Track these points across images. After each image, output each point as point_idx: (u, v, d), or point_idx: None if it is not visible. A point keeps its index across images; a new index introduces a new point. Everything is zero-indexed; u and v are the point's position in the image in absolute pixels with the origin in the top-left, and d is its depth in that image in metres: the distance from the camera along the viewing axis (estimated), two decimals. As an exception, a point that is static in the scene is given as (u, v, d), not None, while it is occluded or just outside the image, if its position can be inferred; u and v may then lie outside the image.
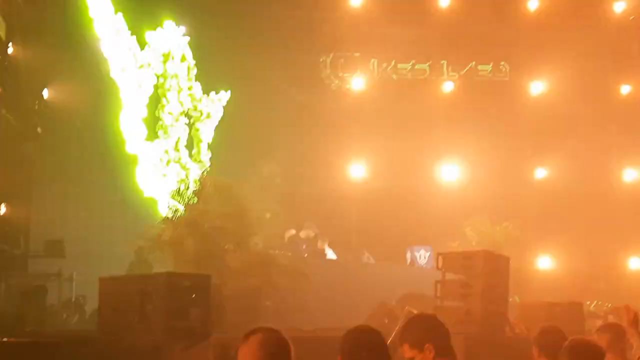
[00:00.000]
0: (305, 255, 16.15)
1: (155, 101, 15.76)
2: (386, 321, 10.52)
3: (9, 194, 15.50)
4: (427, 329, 4.28)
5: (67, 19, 16.76)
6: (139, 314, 6.93)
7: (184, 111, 16.08)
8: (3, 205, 15.08)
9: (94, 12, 16.00)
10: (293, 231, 16.97)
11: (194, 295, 7.21)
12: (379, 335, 4.04)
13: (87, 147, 17.66)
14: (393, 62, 21.51)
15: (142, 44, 15.89)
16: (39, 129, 16.98)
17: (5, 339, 6.81)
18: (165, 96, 15.81)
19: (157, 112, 15.77)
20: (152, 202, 15.39)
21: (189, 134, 16.40)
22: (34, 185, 17.24)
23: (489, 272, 9.68)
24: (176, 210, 13.66)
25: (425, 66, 21.67)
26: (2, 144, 15.35)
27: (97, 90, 16.46)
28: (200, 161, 16.58)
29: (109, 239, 16.39)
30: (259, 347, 3.26)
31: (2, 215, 15.21)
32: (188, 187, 14.53)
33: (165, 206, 14.56)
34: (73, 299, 15.19)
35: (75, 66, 16.90)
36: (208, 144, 16.49)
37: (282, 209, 14.85)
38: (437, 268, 10.17)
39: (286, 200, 15.56)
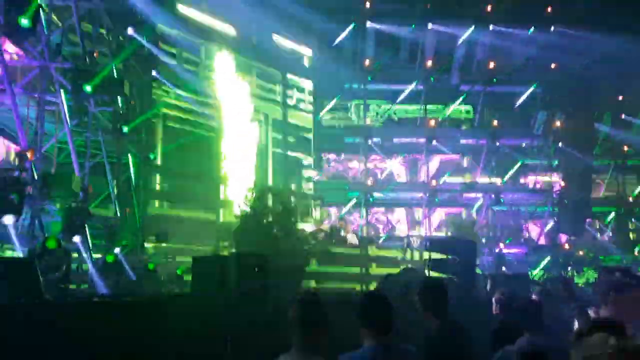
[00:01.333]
0: (333, 241, 16.23)
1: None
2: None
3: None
4: None
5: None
6: (219, 282, 7.04)
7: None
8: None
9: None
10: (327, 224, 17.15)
11: (256, 269, 7.26)
12: None
13: (193, 167, 17.76)
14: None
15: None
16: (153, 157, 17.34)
17: (128, 298, 6.90)
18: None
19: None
20: (230, 203, 15.65)
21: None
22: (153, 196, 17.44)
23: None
24: (244, 211, 13.84)
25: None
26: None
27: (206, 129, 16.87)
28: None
29: (200, 230, 16.41)
30: None
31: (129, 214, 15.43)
32: (253, 193, 14.69)
33: (238, 207, 14.76)
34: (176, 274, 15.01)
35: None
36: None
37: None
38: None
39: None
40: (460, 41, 23.30)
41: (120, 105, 14.47)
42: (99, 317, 5.89)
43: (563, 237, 22.67)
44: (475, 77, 23.79)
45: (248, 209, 13.77)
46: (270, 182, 17.90)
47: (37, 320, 5.42)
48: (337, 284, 11.99)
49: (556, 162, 24.03)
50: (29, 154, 10.94)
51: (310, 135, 22.68)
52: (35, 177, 11.18)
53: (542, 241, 23.38)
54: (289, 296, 6.32)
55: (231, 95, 18.89)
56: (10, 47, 12.66)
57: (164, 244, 15.90)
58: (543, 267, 20.40)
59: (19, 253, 10.60)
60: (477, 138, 24.15)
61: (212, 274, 7.17)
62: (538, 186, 24.45)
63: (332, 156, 23.99)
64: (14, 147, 12.06)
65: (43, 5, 12.41)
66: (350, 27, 22.38)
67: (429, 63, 23.02)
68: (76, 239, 12.27)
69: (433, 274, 10.64)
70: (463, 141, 24.34)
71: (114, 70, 14.36)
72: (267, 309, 6.73)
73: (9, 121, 12.63)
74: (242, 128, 19.08)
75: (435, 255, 11.56)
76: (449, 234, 21.58)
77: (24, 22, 9.91)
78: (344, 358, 3.68)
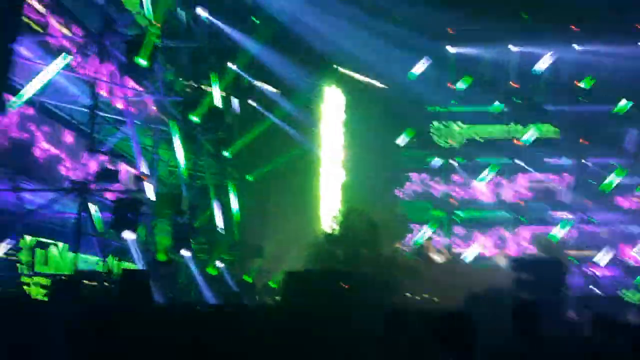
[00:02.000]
0: (418, 260, 15.87)
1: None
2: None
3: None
4: None
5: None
6: (309, 297, 7.06)
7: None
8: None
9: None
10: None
11: (345, 286, 7.22)
12: None
13: (292, 193, 18.11)
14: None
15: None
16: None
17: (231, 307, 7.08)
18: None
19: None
20: (320, 223, 15.83)
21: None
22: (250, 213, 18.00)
23: None
24: (333, 229, 13.91)
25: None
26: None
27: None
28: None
29: (294, 245, 16.61)
30: None
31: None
32: (340, 213, 14.77)
33: (328, 227, 14.88)
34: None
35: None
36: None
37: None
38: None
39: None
40: (544, 60, 22.22)
41: (222, 132, 15.15)
42: (203, 324, 6.08)
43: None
44: (561, 96, 22.51)
45: (337, 227, 13.83)
46: (357, 201, 17.86)
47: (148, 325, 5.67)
48: (422, 303, 11.64)
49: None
50: (144, 177, 11.71)
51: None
52: (150, 197, 11.93)
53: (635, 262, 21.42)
54: (374, 314, 6.24)
55: (328, 123, 19.13)
56: (129, 83, 13.70)
57: (259, 259, 16.29)
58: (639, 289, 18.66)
59: (136, 265, 11.34)
60: (564, 157, 22.76)
61: (301, 291, 7.24)
62: (630, 205, 22.53)
63: (414, 176, 23.53)
64: (132, 171, 12.93)
65: (159, 46, 13.36)
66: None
67: (512, 83, 22.15)
68: (184, 252, 12.92)
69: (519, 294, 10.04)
70: (549, 160, 22.99)
71: (218, 102, 15.10)
72: (352, 325, 6.65)
73: (128, 148, 13.61)
74: (334, 151, 19.31)
75: (522, 276, 10.92)
76: (536, 254, 20.37)
77: (143, 62, 10.66)
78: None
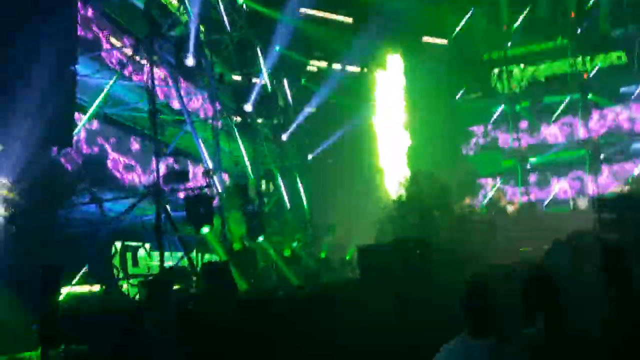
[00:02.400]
0: (493, 213, 15.49)
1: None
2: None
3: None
4: None
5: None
6: (383, 269, 7.13)
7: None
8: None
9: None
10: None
11: (418, 252, 7.24)
12: None
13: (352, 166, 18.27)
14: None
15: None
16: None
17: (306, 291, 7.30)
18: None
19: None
20: (386, 192, 15.80)
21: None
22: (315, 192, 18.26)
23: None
24: (400, 196, 13.81)
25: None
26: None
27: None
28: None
29: (362, 219, 16.65)
30: None
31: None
32: (407, 179, 14.59)
33: (395, 193, 14.79)
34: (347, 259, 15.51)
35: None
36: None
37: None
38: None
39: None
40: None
41: (277, 116, 15.32)
42: (285, 310, 6.33)
43: None
44: (627, 18, 20.76)
45: (404, 193, 13.71)
46: (423, 165, 17.58)
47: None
48: (504, 256, 11.35)
49: None
50: (211, 172, 12.11)
51: (455, 114, 21.74)
52: (219, 190, 12.36)
53: None
54: (455, 277, 6.20)
55: (386, 88, 18.78)
56: (182, 83, 14.10)
57: (332, 236, 16.50)
58: None
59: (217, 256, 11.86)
60: (638, 83, 21.13)
61: (376, 263, 7.31)
62: None
63: (480, 129, 22.75)
64: (199, 168, 13.41)
65: (203, 41, 13.62)
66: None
67: (572, 13, 20.69)
68: (261, 238, 13.33)
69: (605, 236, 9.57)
70: (624, 89, 21.43)
71: (268, 87, 15.26)
72: (431, 291, 6.66)
73: (192, 146, 14.09)
74: (395, 119, 19.00)
75: (606, 216, 10.37)
76: (618, 192, 19.26)
77: (190, 61, 10.94)
78: (516, 338, 3.53)
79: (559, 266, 8.31)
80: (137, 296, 8.67)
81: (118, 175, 12.22)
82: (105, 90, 11.07)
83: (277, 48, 16.96)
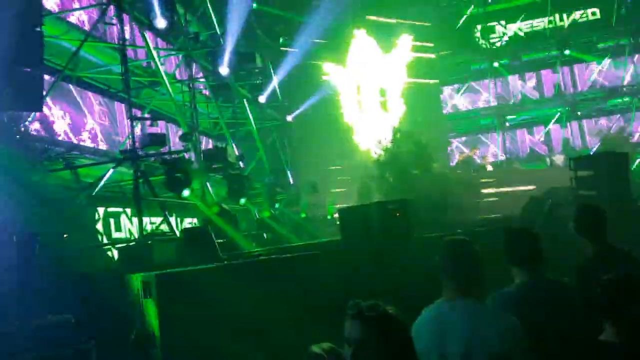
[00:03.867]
0: (472, 170, 15.58)
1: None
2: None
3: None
4: None
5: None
6: (363, 230, 7.12)
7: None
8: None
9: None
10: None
11: (398, 214, 7.21)
12: None
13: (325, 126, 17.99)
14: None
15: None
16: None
17: (288, 254, 7.26)
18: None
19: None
20: (367, 153, 15.72)
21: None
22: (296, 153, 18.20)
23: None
24: (379, 155, 13.74)
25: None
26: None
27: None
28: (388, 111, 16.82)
29: (339, 179, 16.76)
30: None
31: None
32: (385, 138, 14.51)
33: (373, 152, 14.71)
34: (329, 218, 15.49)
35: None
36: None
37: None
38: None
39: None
40: None
41: (255, 76, 14.97)
42: (268, 272, 6.31)
43: None
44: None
45: (382, 153, 13.65)
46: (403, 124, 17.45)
47: (218, 281, 5.92)
48: (483, 213, 11.49)
49: None
50: (189, 135, 11.88)
51: (434, 72, 21.50)
52: (198, 153, 12.16)
53: None
54: (436, 238, 6.23)
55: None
56: (155, 41, 13.62)
57: (314, 194, 16.46)
58: None
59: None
60: (617, 39, 21.12)
61: (358, 222, 7.29)
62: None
63: (458, 86, 22.62)
64: (176, 131, 13.14)
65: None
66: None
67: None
68: (242, 201, 13.25)
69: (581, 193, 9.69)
70: (601, 45, 21.42)
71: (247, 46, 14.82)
72: (412, 248, 6.69)
73: (168, 108, 13.76)
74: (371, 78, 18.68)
75: (582, 173, 10.49)
76: (596, 147, 19.53)
77: (161, 22, 10.51)
78: (495, 296, 3.54)
79: (536, 221, 8.43)
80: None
81: (94, 139, 11.92)
82: (76, 51, 10.62)
83: (254, 5, 16.42)
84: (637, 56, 21.01)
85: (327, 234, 13.12)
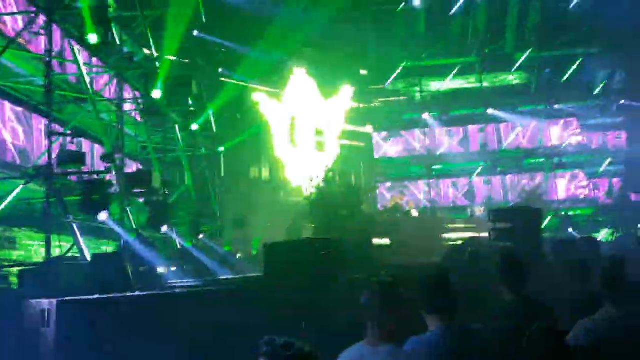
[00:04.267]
0: (398, 216, 15.88)
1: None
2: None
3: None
4: None
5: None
6: (289, 267, 6.95)
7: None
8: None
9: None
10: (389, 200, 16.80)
11: (323, 252, 7.11)
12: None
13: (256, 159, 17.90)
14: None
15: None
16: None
17: (208, 288, 6.96)
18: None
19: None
20: (298, 189, 15.65)
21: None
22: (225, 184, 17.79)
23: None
24: (311, 193, 13.73)
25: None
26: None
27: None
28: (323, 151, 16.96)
29: (272, 215, 16.31)
30: None
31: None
32: (317, 177, 14.54)
33: (305, 190, 14.70)
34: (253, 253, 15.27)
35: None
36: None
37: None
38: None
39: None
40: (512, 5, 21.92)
41: (189, 103, 14.65)
42: (182, 306, 5.96)
43: (632, 195, 21.12)
44: (530, 42, 22.39)
45: (314, 191, 13.66)
46: (335, 165, 17.64)
47: (126, 312, 5.51)
48: (406, 258, 11.64)
49: (620, 119, 22.43)
50: (113, 156, 11.29)
51: (369, 117, 22.13)
52: (119, 176, 11.55)
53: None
54: (360, 277, 6.16)
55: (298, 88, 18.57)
56: (86, 58, 13.05)
57: (240, 229, 16.10)
58: (612, 227, 19.10)
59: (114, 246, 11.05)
60: (535, 104, 22.87)
61: (284, 259, 7.11)
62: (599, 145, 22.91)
63: (391, 134, 23.37)
64: (99, 150, 12.48)
65: (112, 17, 12.66)
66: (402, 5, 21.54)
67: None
68: (164, 229, 12.65)
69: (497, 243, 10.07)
70: (521, 108, 23.07)
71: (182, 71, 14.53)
72: (338, 290, 6.57)
73: (94, 127, 13.08)
74: (305, 115, 18.83)
75: (500, 225, 10.95)
76: (513, 201, 20.65)
77: (93, 38, 10.10)
78: (412, 343, 3.46)
79: (456, 269, 8.60)
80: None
81: (6, 152, 11.03)
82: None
83: (195, 32, 16.25)
84: (552, 121, 22.74)
85: (251, 269, 12.82)
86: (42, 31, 10.21)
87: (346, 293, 5.26)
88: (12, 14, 11.39)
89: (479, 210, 18.07)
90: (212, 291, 6.59)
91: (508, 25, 22.14)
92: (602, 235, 18.29)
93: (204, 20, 15.82)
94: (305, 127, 17.85)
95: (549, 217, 17.88)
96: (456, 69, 22.83)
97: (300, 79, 17.94)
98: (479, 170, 22.52)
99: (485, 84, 22.79)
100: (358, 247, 10.19)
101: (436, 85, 23.41)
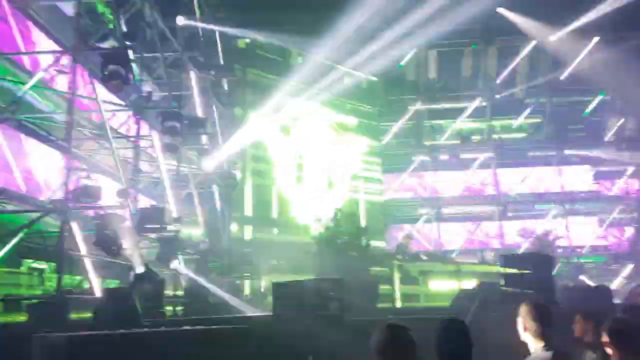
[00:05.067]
0: (406, 258, 15.80)
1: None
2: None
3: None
4: None
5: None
6: (297, 306, 6.96)
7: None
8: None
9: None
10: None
11: (331, 293, 7.11)
12: None
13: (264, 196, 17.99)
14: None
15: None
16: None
17: (215, 326, 6.94)
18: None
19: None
20: (306, 227, 15.66)
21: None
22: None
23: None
24: (319, 233, 13.77)
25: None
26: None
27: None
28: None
29: (282, 253, 16.27)
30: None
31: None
32: (325, 216, 14.62)
33: (313, 229, 14.75)
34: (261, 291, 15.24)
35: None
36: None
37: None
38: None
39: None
40: (522, 54, 22.35)
41: (205, 141, 14.94)
42: (189, 343, 5.96)
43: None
44: (541, 88, 22.67)
45: (322, 231, 13.71)
46: (344, 203, 17.72)
47: (134, 348, 5.52)
48: (414, 302, 11.55)
49: (632, 169, 22.35)
50: (128, 192, 11.48)
51: (378, 158, 22.32)
52: (133, 212, 11.70)
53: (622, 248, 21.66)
54: (367, 320, 6.15)
55: (308, 127, 18.86)
56: (106, 96, 13.44)
57: (249, 265, 16.09)
58: (625, 276, 18.83)
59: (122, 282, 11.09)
60: (545, 150, 22.94)
61: (292, 299, 7.12)
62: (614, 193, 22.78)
63: (400, 176, 23.46)
64: (115, 186, 12.69)
65: (133, 57, 13.12)
66: (412, 52, 22.05)
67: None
68: (174, 264, 12.70)
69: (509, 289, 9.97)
70: (531, 153, 23.15)
71: (199, 110, 14.89)
72: (344, 330, 6.55)
73: (109, 161, 13.33)
74: (313, 155, 19.05)
75: (511, 271, 10.86)
76: (524, 246, 20.47)
77: (119, 75, 10.44)
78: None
79: (465, 315, 8.52)
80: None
81: (26, 185, 11.28)
82: (19, 94, 10.30)
83: (212, 72, 16.71)
84: (563, 167, 22.73)
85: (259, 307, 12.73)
86: (66, 70, 10.58)
87: (353, 335, 5.24)
88: (39, 52, 11.85)
89: (489, 255, 17.91)
90: (220, 330, 6.57)
91: (518, 70, 22.53)
92: (616, 284, 18.01)
93: (221, 61, 16.31)
94: (315, 165, 18.03)
95: (560, 264, 17.68)
96: (466, 112, 23.08)
97: (311, 114, 18.27)
98: (489, 214, 22.43)
99: (495, 128, 22.97)
100: (365, 288, 10.15)
101: (445, 128, 23.65)
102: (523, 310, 3.92)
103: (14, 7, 11.21)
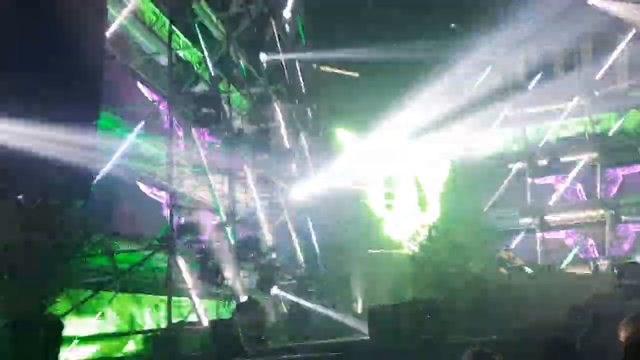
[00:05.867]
0: (509, 272, 15.00)
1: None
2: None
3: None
4: None
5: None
6: (394, 331, 6.90)
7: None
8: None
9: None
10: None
11: (428, 315, 6.97)
12: None
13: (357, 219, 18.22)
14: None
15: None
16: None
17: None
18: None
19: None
20: (400, 244, 15.48)
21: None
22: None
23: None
24: (414, 252, 13.53)
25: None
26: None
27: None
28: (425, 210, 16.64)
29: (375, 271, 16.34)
30: None
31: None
32: (419, 234, 14.35)
33: (407, 247, 14.52)
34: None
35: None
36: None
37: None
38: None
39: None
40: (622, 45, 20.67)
41: (294, 171, 15.40)
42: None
43: None
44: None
45: (417, 249, 13.46)
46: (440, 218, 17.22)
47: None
48: (519, 323, 10.88)
49: None
50: (226, 224, 12.10)
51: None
52: (232, 243, 12.29)
53: None
54: (469, 340, 5.94)
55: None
56: (202, 136, 14.35)
57: (347, 288, 16.16)
58: None
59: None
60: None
61: (388, 323, 7.08)
62: None
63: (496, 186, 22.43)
64: (213, 220, 13.42)
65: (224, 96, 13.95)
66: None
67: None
68: (273, 291, 13.12)
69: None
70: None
71: (286, 142, 15.42)
72: (446, 353, 6.38)
73: (208, 197, 14.13)
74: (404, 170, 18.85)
75: (628, 281, 9.98)
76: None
77: (208, 116, 11.12)
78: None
79: (578, 333, 7.93)
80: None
81: (134, 226, 12.25)
82: (126, 144, 11.28)
83: (297, 101, 17.24)
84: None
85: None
86: (165, 116, 11.48)
87: (454, 357, 5.09)
88: (140, 105, 12.92)
89: (603, 264, 16.54)
90: (320, 357, 6.68)
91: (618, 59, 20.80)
92: None
93: (303, 91, 16.81)
94: (407, 186, 17.85)
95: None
96: (563, 115, 21.68)
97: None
98: (596, 220, 20.72)
99: (596, 127, 21.36)
100: (469, 306, 9.81)
101: (541, 133, 22.35)
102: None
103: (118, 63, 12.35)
